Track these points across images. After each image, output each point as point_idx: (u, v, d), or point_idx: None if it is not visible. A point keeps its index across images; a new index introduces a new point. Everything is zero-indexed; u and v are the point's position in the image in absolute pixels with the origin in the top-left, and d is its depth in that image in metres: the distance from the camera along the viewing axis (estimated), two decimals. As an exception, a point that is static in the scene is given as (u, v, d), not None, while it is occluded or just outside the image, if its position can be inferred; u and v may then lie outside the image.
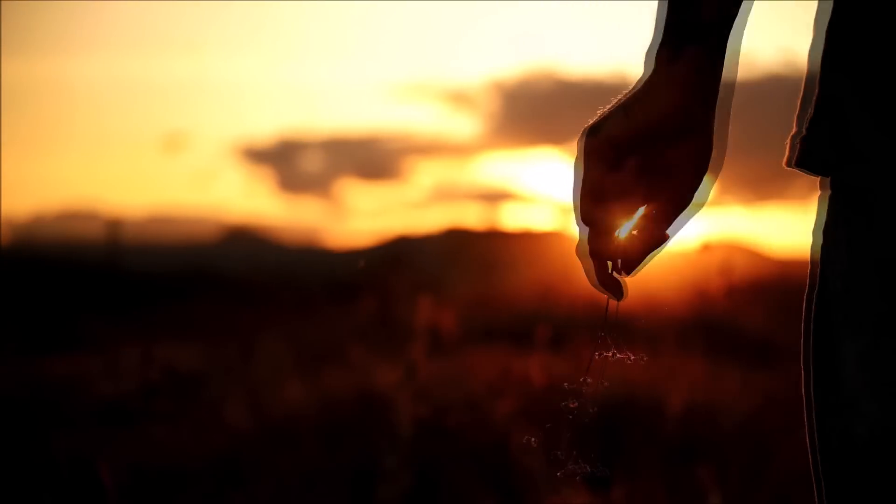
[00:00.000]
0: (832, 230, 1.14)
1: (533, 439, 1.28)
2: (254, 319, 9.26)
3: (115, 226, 13.33)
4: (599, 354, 1.22)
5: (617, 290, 1.21)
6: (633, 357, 1.23)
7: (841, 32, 1.11)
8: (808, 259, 1.17)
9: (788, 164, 1.16)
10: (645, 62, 1.16)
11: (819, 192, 1.17)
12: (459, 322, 7.20)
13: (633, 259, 1.20)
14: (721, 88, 1.16)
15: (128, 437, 5.28)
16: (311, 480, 4.69)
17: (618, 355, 1.23)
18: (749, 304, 10.13)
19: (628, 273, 1.21)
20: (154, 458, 4.93)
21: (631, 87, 1.15)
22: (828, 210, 1.15)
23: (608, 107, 1.15)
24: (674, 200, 1.16)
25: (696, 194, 1.16)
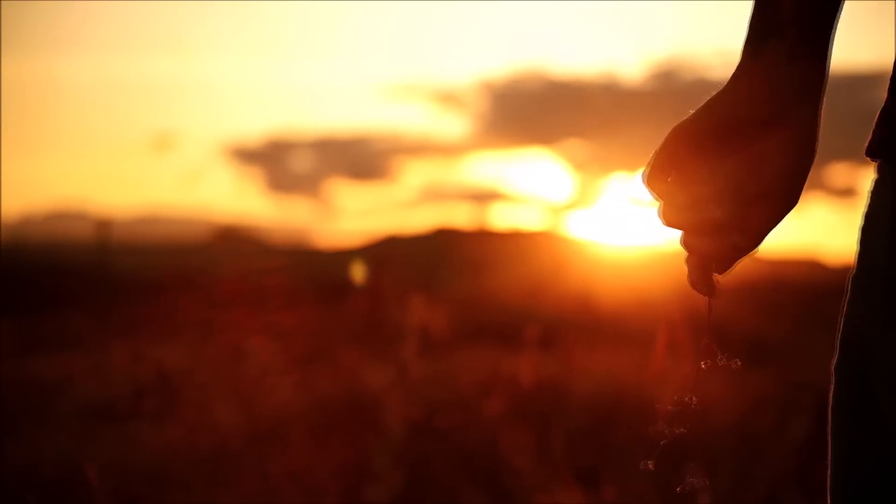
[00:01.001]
0: (878, 213, 1.17)
1: (650, 462, 1.23)
2: (242, 319, 9.24)
3: (104, 226, 13.31)
4: (705, 363, 1.20)
5: (711, 290, 1.21)
6: (739, 362, 1.20)
7: None
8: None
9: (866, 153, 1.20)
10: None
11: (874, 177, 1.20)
12: (449, 321, 7.21)
13: (727, 259, 1.19)
14: None
15: (115, 436, 5.28)
16: (299, 480, 4.68)
17: (723, 361, 1.20)
18: (739, 304, 10.15)
19: (721, 272, 1.20)
20: (142, 458, 4.93)
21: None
22: (878, 193, 1.17)
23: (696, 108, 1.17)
24: (766, 197, 1.16)
25: (795, 191, 1.16)
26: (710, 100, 1.16)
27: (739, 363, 1.19)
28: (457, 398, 5.83)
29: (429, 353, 6.41)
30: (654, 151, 1.16)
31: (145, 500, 4.48)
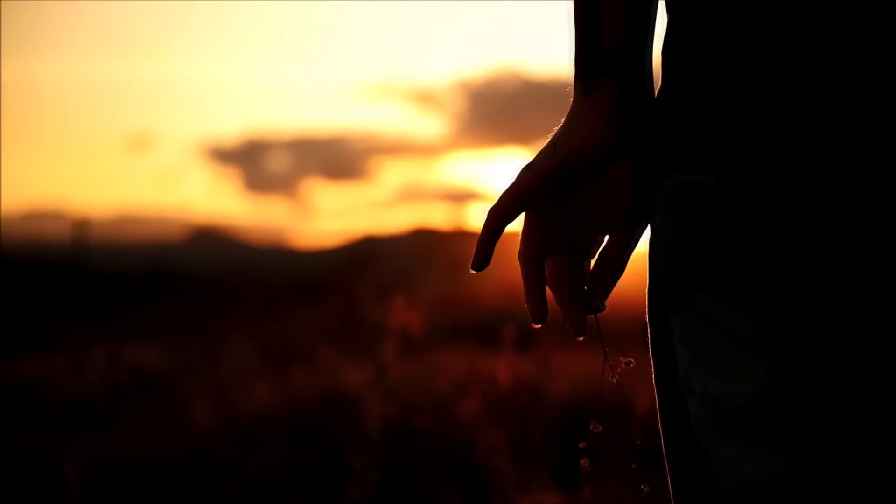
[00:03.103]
0: (656, 225, 1.16)
1: (644, 487, 1.29)
2: (220, 319, 9.23)
3: (81, 226, 13.29)
4: (613, 376, 1.24)
5: (581, 329, 1.24)
6: (632, 361, 1.24)
7: (672, 49, 1.14)
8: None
9: None
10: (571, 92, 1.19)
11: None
12: (427, 322, 7.21)
13: (602, 289, 1.22)
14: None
15: (94, 436, 5.27)
16: (278, 480, 4.69)
17: (628, 364, 1.24)
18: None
19: (596, 305, 1.23)
20: (120, 458, 4.92)
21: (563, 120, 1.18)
22: (653, 208, 1.16)
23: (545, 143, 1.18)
24: (618, 225, 1.19)
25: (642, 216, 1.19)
26: (552, 138, 1.17)
27: (633, 362, 1.23)
28: (435, 398, 5.84)
29: (407, 353, 6.42)
30: (503, 192, 1.18)
31: (123, 500, 4.49)
